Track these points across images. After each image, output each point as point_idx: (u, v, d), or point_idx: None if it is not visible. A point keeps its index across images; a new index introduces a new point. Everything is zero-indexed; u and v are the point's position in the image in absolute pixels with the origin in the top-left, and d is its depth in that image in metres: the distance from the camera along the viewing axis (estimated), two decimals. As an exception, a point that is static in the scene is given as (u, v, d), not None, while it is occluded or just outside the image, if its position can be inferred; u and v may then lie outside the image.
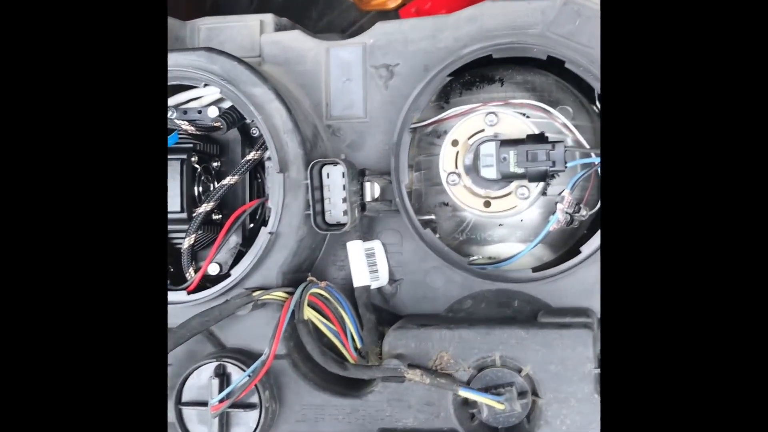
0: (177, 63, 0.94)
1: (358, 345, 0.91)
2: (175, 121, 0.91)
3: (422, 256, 0.95)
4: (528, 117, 0.92)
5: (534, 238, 0.93)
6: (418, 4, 1.57)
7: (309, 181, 0.86)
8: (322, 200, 0.89)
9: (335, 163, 0.87)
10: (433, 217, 0.97)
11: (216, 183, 0.99)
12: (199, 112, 0.95)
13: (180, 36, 1.08)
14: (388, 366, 0.87)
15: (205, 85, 0.94)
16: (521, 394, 0.86)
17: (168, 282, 0.96)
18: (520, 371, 0.86)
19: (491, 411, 0.86)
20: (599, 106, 0.98)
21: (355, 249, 0.94)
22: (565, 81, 1.01)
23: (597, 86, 0.91)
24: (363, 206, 0.91)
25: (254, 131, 1.01)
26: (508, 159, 0.87)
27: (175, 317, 0.90)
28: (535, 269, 0.93)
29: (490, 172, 0.88)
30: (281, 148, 0.91)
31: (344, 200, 0.88)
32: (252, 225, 1.02)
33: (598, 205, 0.92)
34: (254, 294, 0.88)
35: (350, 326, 0.91)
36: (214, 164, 1.01)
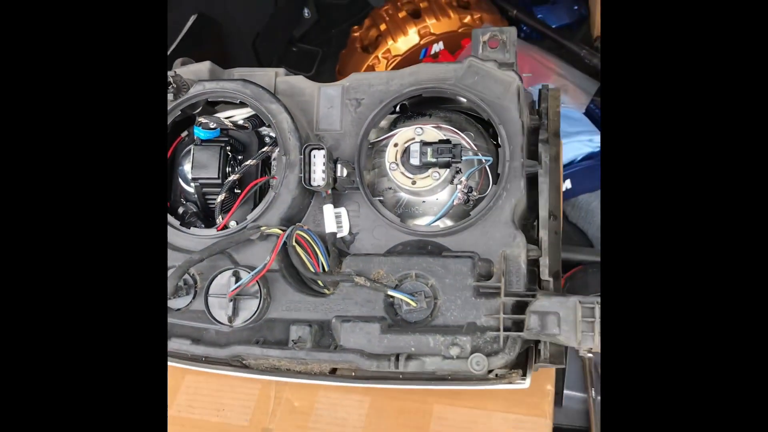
0: (224, 87, 1.48)
1: (326, 268, 1.40)
2: (222, 119, 1.45)
3: (372, 219, 1.42)
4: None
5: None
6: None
7: (302, 157, 1.38)
8: (309, 170, 1.40)
9: (320, 147, 1.39)
10: (381, 198, 1.47)
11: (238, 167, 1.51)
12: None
13: (221, 77, 1.61)
14: (344, 273, 1.36)
15: (240, 102, 1.48)
16: (427, 297, 1.34)
17: (203, 225, 1.47)
18: (427, 283, 1.35)
19: (408, 307, 1.35)
20: (491, 131, 1.52)
21: (328, 210, 1.43)
22: (475, 120, 1.56)
23: (485, 116, 1.44)
24: (335, 179, 1.41)
25: (267, 138, 1.54)
26: (426, 153, 1.39)
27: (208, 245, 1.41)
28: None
29: (415, 161, 1.39)
30: (286, 141, 1.43)
31: (323, 171, 1.39)
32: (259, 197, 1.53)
33: (488, 190, 1.43)
34: (262, 228, 1.39)
35: (321, 256, 1.40)
36: (239, 156, 1.52)
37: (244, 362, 1.37)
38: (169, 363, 1.38)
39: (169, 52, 2.28)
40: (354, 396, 1.41)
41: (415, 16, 2.75)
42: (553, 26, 2.92)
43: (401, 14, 2.77)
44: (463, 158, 1.39)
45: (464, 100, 1.46)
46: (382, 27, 2.78)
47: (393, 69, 2.75)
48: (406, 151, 1.42)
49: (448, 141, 1.41)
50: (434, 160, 1.38)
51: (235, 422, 1.41)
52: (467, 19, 2.76)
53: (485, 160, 1.40)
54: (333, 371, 1.35)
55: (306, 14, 3.11)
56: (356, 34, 2.90)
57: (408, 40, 2.75)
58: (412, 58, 2.76)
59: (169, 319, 1.38)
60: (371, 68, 2.79)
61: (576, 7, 2.99)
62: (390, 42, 2.75)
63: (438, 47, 2.76)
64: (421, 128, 1.43)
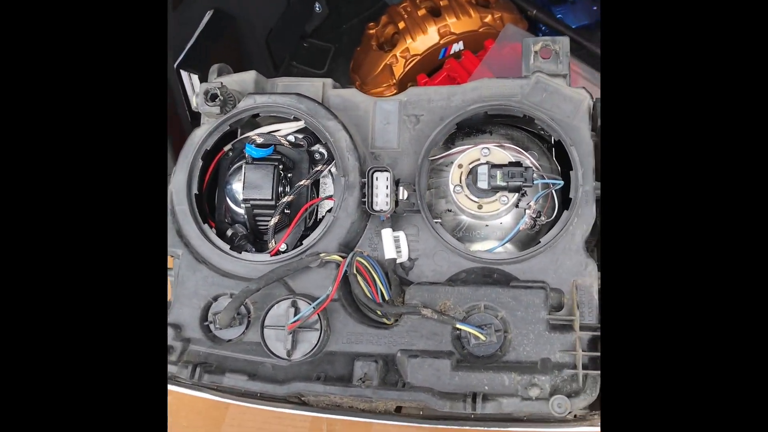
0: (276, 101, 1.39)
1: (386, 297, 1.31)
2: (277, 137, 1.36)
3: (432, 244, 1.35)
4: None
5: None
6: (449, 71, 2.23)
7: (366, 180, 1.30)
8: (371, 194, 1.31)
9: (384, 170, 1.31)
10: (440, 220, 1.39)
11: (289, 188, 1.41)
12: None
13: (264, 88, 1.51)
14: (410, 305, 1.28)
15: (294, 117, 1.39)
16: (497, 331, 1.27)
17: (254, 249, 1.38)
18: (497, 316, 1.28)
19: (476, 341, 1.27)
20: (554, 152, 1.45)
21: (387, 234, 1.35)
22: (533, 136, 1.48)
23: (555, 136, 1.37)
24: (396, 202, 1.33)
25: (317, 155, 1.45)
26: (495, 176, 1.32)
27: (260, 272, 1.31)
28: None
29: (483, 184, 1.32)
30: (344, 161, 1.34)
31: (387, 195, 1.31)
32: (312, 221, 1.44)
33: (554, 214, 1.36)
34: (321, 255, 1.30)
35: (380, 284, 1.31)
36: (289, 175, 1.43)
37: (303, 399, 1.28)
38: (213, 397, 1.30)
39: (186, 48, 2.17)
40: (410, 430, 1.33)
41: (435, 14, 2.66)
42: (573, 27, 2.85)
43: (420, 12, 2.67)
44: (535, 182, 1.31)
45: (521, 116, 1.38)
46: (401, 25, 2.68)
47: (411, 68, 2.67)
48: (471, 173, 1.34)
49: (518, 163, 1.33)
50: (504, 184, 1.30)
51: (286, 459, 1.33)
52: (488, 18, 2.67)
53: (556, 183, 1.33)
54: (398, 409, 1.27)
55: (317, 8, 3.00)
56: (372, 32, 2.80)
57: (427, 39, 2.65)
58: (431, 57, 2.67)
59: (221, 352, 1.29)
60: (388, 67, 2.70)
61: (595, 8, 2.92)
62: (408, 40, 2.66)
63: (458, 47, 2.68)
64: (488, 149, 1.35)
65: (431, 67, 2.69)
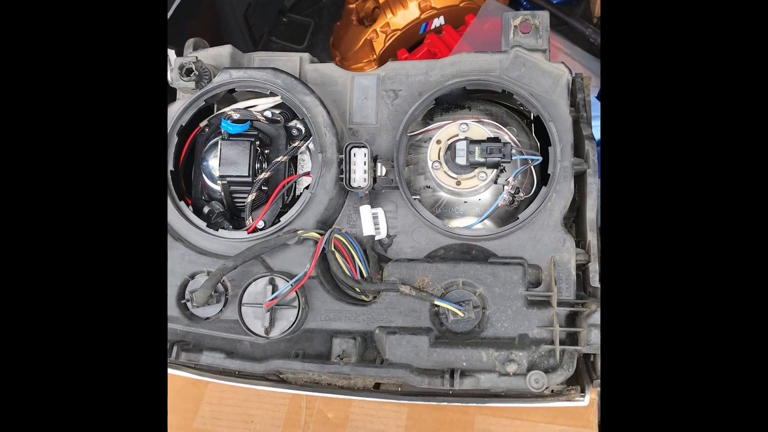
0: (252, 76, 1.36)
1: (365, 274, 1.31)
2: (253, 112, 1.34)
3: (411, 220, 1.34)
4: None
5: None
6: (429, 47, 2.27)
7: (344, 156, 1.28)
8: (350, 170, 1.30)
9: (362, 146, 1.29)
10: (418, 196, 1.38)
11: (266, 164, 1.39)
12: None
13: (241, 63, 1.49)
14: (388, 281, 1.28)
15: (270, 93, 1.37)
16: (475, 307, 1.26)
17: (231, 226, 1.37)
18: (475, 292, 1.28)
19: (454, 317, 1.27)
20: (533, 128, 1.44)
21: (365, 211, 1.33)
22: (512, 111, 1.47)
23: (534, 112, 1.36)
24: (375, 179, 1.31)
25: (294, 131, 1.43)
26: (474, 152, 1.31)
27: (237, 249, 1.30)
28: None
29: (461, 160, 1.31)
30: (321, 137, 1.33)
31: (365, 171, 1.29)
32: (289, 198, 1.42)
33: (532, 190, 1.36)
34: (299, 232, 1.29)
35: (359, 261, 1.31)
36: (266, 151, 1.41)
37: (281, 376, 1.28)
38: (192, 375, 1.29)
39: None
40: (390, 406, 1.33)
41: (415, -12, 2.63)
42: (554, 2, 2.83)
43: (400, -14, 2.64)
44: (513, 158, 1.30)
45: (500, 91, 1.37)
46: (380, -1, 2.65)
47: (392, 44, 2.65)
48: (450, 149, 1.33)
49: (496, 139, 1.32)
50: (483, 159, 1.30)
51: (266, 435, 1.33)
52: (469, -8, 2.65)
53: (535, 159, 1.32)
54: (377, 386, 1.27)
55: (296, -18, 2.96)
56: (352, 6, 2.76)
57: (408, 13, 2.62)
58: (412, 32, 2.65)
59: (199, 330, 1.28)
60: (368, 42, 2.67)
61: (577, -17, 2.90)
62: (389, 15, 2.63)
63: (439, 22, 2.65)
64: (466, 124, 1.34)
65: (412, 43, 2.66)
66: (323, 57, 2.52)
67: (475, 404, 1.23)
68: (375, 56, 2.66)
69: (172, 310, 1.29)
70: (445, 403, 1.23)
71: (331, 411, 1.35)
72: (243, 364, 1.26)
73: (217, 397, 1.37)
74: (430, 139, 1.37)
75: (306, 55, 1.48)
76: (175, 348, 1.27)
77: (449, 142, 1.34)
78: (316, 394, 1.26)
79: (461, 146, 1.31)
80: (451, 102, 1.45)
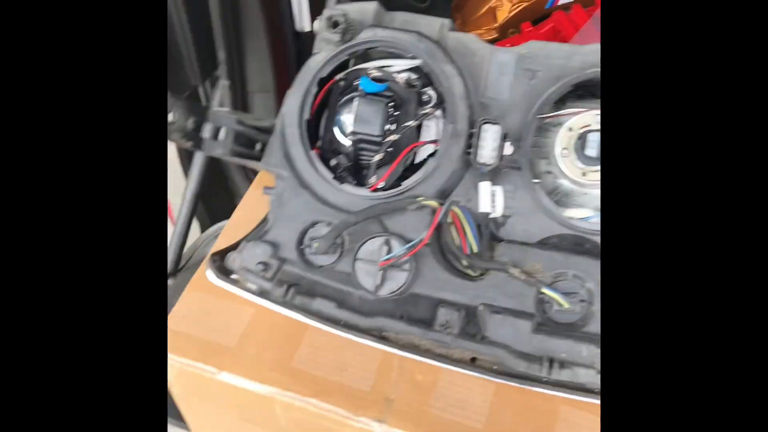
0: (396, 38, 1.38)
1: (475, 249, 1.33)
2: (393, 75, 1.36)
3: (528, 204, 1.33)
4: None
5: (606, 207, 1.36)
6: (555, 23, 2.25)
7: (476, 130, 1.30)
8: (478, 145, 1.31)
9: (494, 123, 1.30)
10: (539, 180, 1.38)
11: (395, 126, 1.40)
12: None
13: (383, 21, 1.49)
14: (499, 261, 1.30)
15: (411, 56, 1.38)
16: (582, 301, 1.28)
17: (355, 182, 1.40)
18: (584, 286, 1.28)
19: (559, 308, 1.28)
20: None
21: (485, 187, 1.34)
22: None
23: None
24: (501, 157, 1.33)
25: (425, 97, 1.44)
26: (605, 146, 1.30)
27: (357, 205, 1.33)
28: (603, 228, 1.35)
29: (592, 152, 1.30)
30: (455, 107, 1.34)
31: (494, 150, 1.30)
32: (409, 162, 1.44)
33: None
34: (419, 198, 1.32)
35: (470, 236, 1.33)
36: (396, 113, 1.43)
37: (383, 334, 1.32)
38: (300, 317, 1.33)
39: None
40: (478, 380, 1.36)
41: (550, -41, 2.58)
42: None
43: (532, -46, 2.59)
44: (645, 159, 1.29)
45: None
46: (512, -33, 2.61)
47: (516, 14, 2.61)
48: (581, 138, 1.32)
49: (631, 136, 1.30)
50: (613, 155, 1.28)
51: (356, 386, 1.38)
52: (603, -32, 2.57)
53: (665, 163, 1.30)
54: (472, 360, 1.30)
55: (428, -63, 2.93)
56: (481, -30, 2.73)
57: (538, -15, 2.58)
58: (538, 6, 2.60)
59: (313, 276, 1.33)
60: (492, 10, 2.64)
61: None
62: (517, -17, 2.59)
63: (567, -2, 2.60)
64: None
65: (536, 16, 2.61)
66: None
67: (565, 395, 1.24)
68: (497, 24, 2.64)
69: (291, 253, 1.34)
70: (537, 389, 1.25)
71: (421, 374, 1.39)
72: (351, 316, 1.31)
73: (316, 341, 1.42)
74: (560, 124, 1.36)
75: (447, 21, 1.48)
76: (291, 290, 1.32)
77: (581, 131, 1.33)
78: (413, 356, 1.29)
79: (594, 137, 1.30)
80: (586, 90, 1.43)
